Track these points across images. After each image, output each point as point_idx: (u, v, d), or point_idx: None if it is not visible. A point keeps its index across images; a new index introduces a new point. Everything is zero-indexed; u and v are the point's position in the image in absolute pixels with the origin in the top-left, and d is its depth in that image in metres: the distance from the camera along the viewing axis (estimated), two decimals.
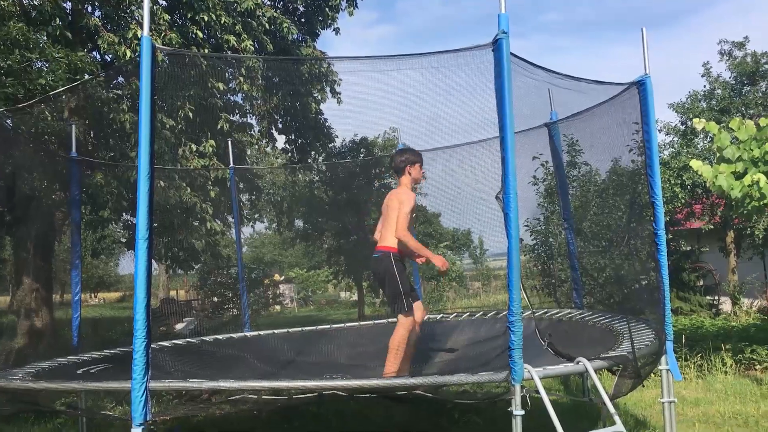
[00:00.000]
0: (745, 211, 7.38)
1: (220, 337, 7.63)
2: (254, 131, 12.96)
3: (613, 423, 3.98)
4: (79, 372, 5.59)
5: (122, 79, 10.60)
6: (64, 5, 9.79)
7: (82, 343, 6.92)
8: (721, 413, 6.41)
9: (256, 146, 13.91)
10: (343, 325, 8.27)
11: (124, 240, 14.54)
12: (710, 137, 8.81)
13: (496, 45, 3.90)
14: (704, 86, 18.98)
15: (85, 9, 10.09)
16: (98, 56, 10.68)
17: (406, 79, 5.89)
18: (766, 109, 16.56)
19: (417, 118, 7.35)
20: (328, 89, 12.92)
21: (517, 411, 3.68)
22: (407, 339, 5.32)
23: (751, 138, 7.38)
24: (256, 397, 4.42)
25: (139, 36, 9.43)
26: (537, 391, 3.84)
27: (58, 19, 9.43)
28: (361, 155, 16.53)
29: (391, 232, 5.45)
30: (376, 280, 5.78)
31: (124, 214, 11.83)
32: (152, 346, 3.88)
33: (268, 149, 14.89)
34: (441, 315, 7.71)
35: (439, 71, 5.82)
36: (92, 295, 44.83)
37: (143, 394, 3.63)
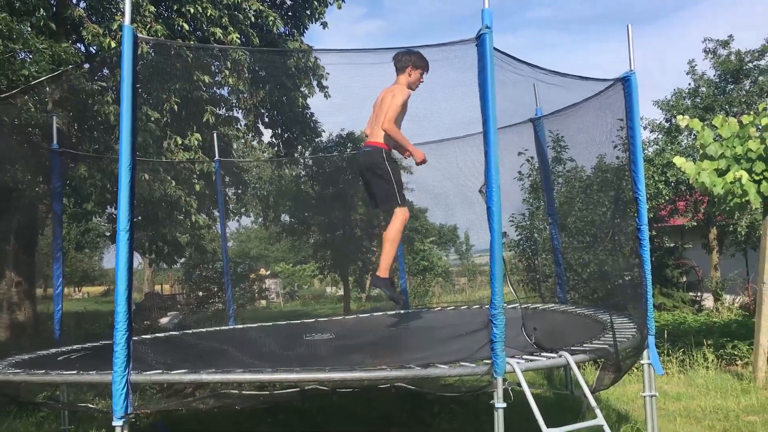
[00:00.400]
0: (728, 208, 7.47)
1: (203, 330, 7.61)
2: (240, 125, 12.91)
3: (595, 416, 4.00)
4: (60, 359, 5.57)
5: (107, 71, 10.53)
6: None
7: (65, 337, 6.90)
8: (702, 408, 6.48)
9: (243, 140, 13.86)
10: (327, 318, 8.28)
11: (108, 233, 14.47)
12: (694, 134, 8.89)
13: (480, 40, 3.90)
14: (689, 84, 19.13)
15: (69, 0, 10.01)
16: (83, 48, 10.60)
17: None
18: (750, 107, 16.69)
19: None
20: (315, 83, 12.88)
21: (499, 404, 3.69)
22: (401, 233, 5.51)
23: (733, 135, 7.45)
24: (237, 392, 4.41)
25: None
26: (519, 384, 3.86)
27: (42, 10, 9.34)
28: (348, 150, 16.47)
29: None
30: (362, 177, 5.82)
31: (108, 207, 11.76)
32: (135, 339, 3.86)
33: (255, 143, 14.85)
34: (425, 308, 7.73)
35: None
36: (76, 289, 44.54)
37: (124, 387, 3.60)
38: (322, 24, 13.34)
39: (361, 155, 5.82)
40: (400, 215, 5.53)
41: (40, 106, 9.15)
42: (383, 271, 5.65)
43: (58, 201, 7.24)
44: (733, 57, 18.30)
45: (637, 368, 5.65)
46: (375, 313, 8.34)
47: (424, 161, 5.74)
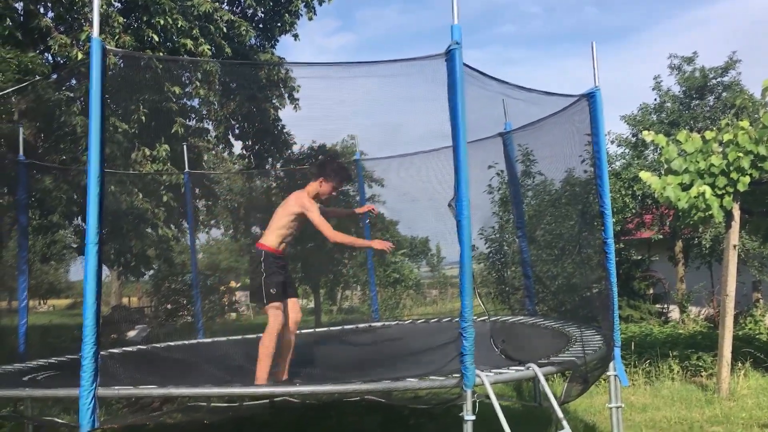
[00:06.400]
0: (692, 222, 7.61)
1: (172, 344, 7.53)
2: (211, 136, 12.85)
3: (562, 428, 4.05)
4: (25, 379, 5.47)
5: (74, 82, 10.42)
6: (16, 5, 9.59)
7: (30, 351, 6.78)
8: (668, 418, 6.57)
9: (213, 151, 13.79)
10: (298, 331, 8.22)
11: (74, 245, 14.23)
12: (659, 149, 9.07)
13: (449, 55, 3.95)
14: (655, 99, 19.50)
15: (37, 9, 9.89)
16: (50, 58, 10.48)
17: (363, 86, 5.92)
18: (714, 123, 17.06)
19: (375, 126, 7.41)
20: (286, 95, 12.89)
21: (468, 416, 3.71)
22: (276, 337, 5.05)
23: (697, 150, 7.62)
24: (206, 404, 4.38)
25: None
26: (488, 397, 3.89)
27: (8, 20, 9.23)
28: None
29: (274, 232, 5.32)
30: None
31: (75, 218, 11.60)
32: (102, 353, 3.81)
33: (225, 154, 14.77)
34: (396, 321, 7.75)
35: (395, 80, 5.86)
36: (42, 301, 43.66)
37: (91, 401, 3.56)
38: (293, 36, 13.38)
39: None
40: (271, 318, 5.13)
41: (6, 117, 9.02)
42: (259, 380, 4.88)
43: (24, 213, 7.12)
44: (697, 73, 18.71)
45: (603, 380, 5.72)
46: (346, 326, 8.34)
47: (389, 248, 5.41)
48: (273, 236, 5.34)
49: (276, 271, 5.29)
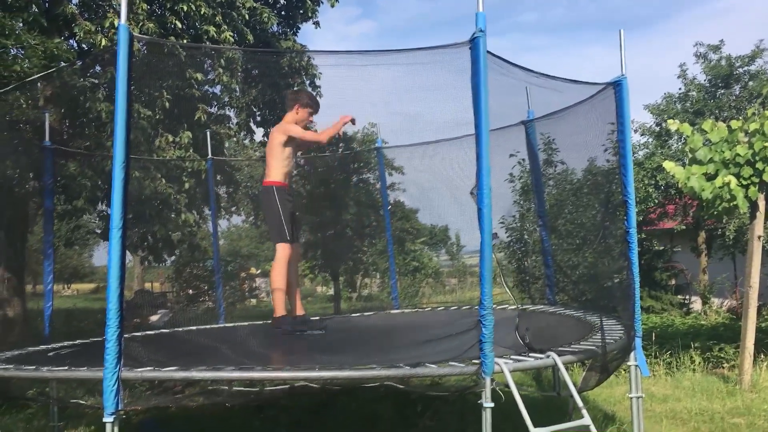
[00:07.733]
0: (716, 212, 7.54)
1: (193, 328, 7.60)
2: (232, 123, 12.90)
3: (581, 417, 4.04)
4: (50, 355, 5.57)
5: (99, 68, 10.50)
6: None
7: (54, 334, 6.88)
8: (688, 409, 6.54)
9: (234, 138, 13.84)
10: (318, 318, 8.27)
11: (99, 231, 14.39)
12: (684, 138, 8.96)
13: (473, 43, 3.94)
14: (679, 88, 19.24)
15: None
16: (75, 44, 10.57)
17: (385, 75, 5.91)
18: (739, 112, 16.82)
19: (396, 114, 7.40)
20: (308, 83, 12.88)
21: (487, 403, 3.72)
22: (286, 270, 5.57)
23: (722, 140, 7.53)
24: (227, 389, 4.44)
25: (116, 25, 9.36)
26: (507, 385, 3.90)
27: (34, 6, 9.31)
28: (340, 150, 16.46)
29: (274, 167, 5.75)
30: (263, 213, 6.10)
31: (99, 204, 11.72)
32: (125, 336, 3.87)
33: (246, 141, 14.82)
34: (415, 308, 7.77)
35: (417, 68, 5.85)
36: (66, 286, 44.28)
37: (115, 383, 3.62)
38: (314, 23, 13.36)
39: (259, 195, 6.19)
40: (279, 253, 5.61)
41: (32, 103, 9.12)
42: (277, 311, 5.71)
43: (50, 198, 7.23)
44: (723, 62, 18.42)
45: (624, 370, 5.70)
46: (365, 313, 8.38)
47: (350, 121, 6.17)
48: (277, 171, 5.77)
49: (290, 206, 5.78)
